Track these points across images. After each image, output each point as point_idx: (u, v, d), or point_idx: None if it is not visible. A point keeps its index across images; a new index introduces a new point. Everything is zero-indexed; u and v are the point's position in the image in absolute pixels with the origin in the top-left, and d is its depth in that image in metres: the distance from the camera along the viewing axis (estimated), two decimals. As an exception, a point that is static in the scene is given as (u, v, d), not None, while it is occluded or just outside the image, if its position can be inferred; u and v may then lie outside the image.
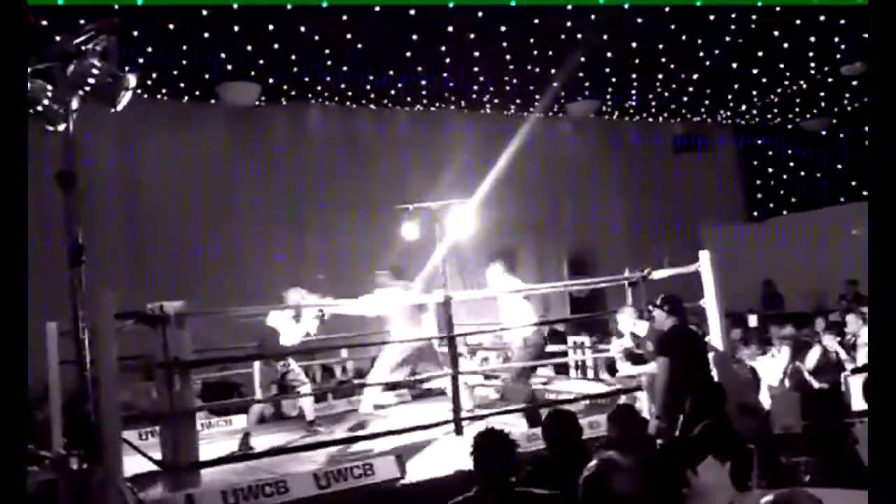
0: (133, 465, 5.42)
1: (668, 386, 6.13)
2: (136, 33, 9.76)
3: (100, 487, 4.30)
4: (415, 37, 11.20)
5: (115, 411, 4.78)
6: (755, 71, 14.18)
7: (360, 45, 11.28)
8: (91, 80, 4.08)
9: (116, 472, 4.57)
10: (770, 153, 19.03)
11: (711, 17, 11.35)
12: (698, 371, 6.27)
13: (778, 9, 11.01)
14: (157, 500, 5.28)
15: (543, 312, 15.21)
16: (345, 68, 12.24)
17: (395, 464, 5.83)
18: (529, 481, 4.05)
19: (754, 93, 15.77)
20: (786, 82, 15.05)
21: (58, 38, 4.19)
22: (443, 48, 11.78)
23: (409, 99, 14.39)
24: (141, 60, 10.65)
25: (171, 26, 10.08)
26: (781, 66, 13.94)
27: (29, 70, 4.23)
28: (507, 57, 12.40)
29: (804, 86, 15.22)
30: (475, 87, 13.94)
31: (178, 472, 5.55)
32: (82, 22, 4.54)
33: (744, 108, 17.07)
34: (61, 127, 4.17)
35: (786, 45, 12.78)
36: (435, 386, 9.53)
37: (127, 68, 4.22)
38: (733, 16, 11.40)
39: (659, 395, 6.24)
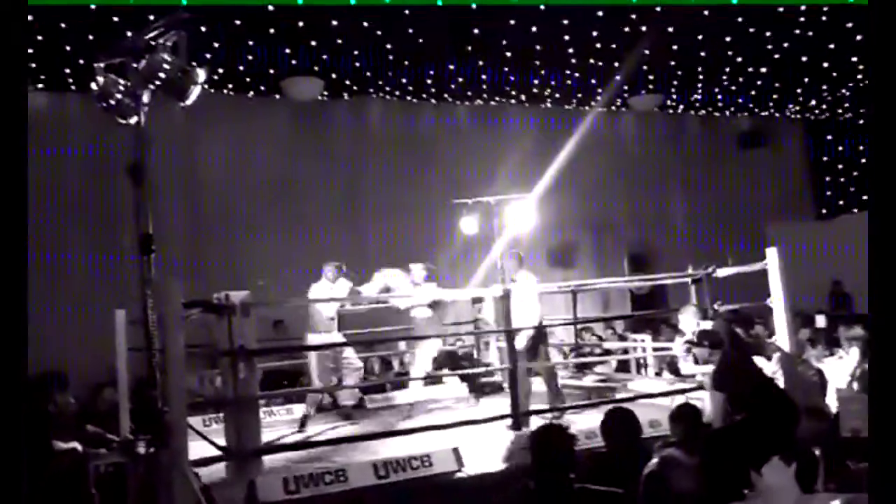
0: (197, 450, 5.55)
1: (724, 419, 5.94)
2: (203, 29, 9.99)
3: (165, 471, 4.42)
4: (476, 30, 11.19)
5: (182, 397, 4.88)
6: (825, 64, 13.78)
7: (421, 40, 11.32)
8: (162, 75, 4.16)
9: (181, 456, 4.67)
10: (840, 149, 18.45)
11: (780, 9, 11.08)
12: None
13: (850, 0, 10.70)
14: (219, 485, 5.40)
15: (603, 309, 15.16)
16: (406, 63, 12.32)
17: (452, 456, 5.85)
18: (589, 478, 4.02)
19: (824, 87, 15.33)
20: (857, 76, 14.59)
21: (129, 34, 4.29)
22: (504, 42, 11.74)
23: (469, 93, 14.38)
24: (208, 56, 10.87)
25: (238, 22, 10.27)
26: (854, 59, 13.52)
27: (102, 65, 4.35)
28: (570, 50, 12.30)
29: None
30: (536, 81, 13.86)
31: (241, 458, 5.68)
32: (152, 18, 4.64)
33: (813, 102, 16.60)
34: (133, 120, 4.26)
35: (858, 38, 12.40)
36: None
37: (195, 63, 4.30)
38: (803, 7, 11.10)
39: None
